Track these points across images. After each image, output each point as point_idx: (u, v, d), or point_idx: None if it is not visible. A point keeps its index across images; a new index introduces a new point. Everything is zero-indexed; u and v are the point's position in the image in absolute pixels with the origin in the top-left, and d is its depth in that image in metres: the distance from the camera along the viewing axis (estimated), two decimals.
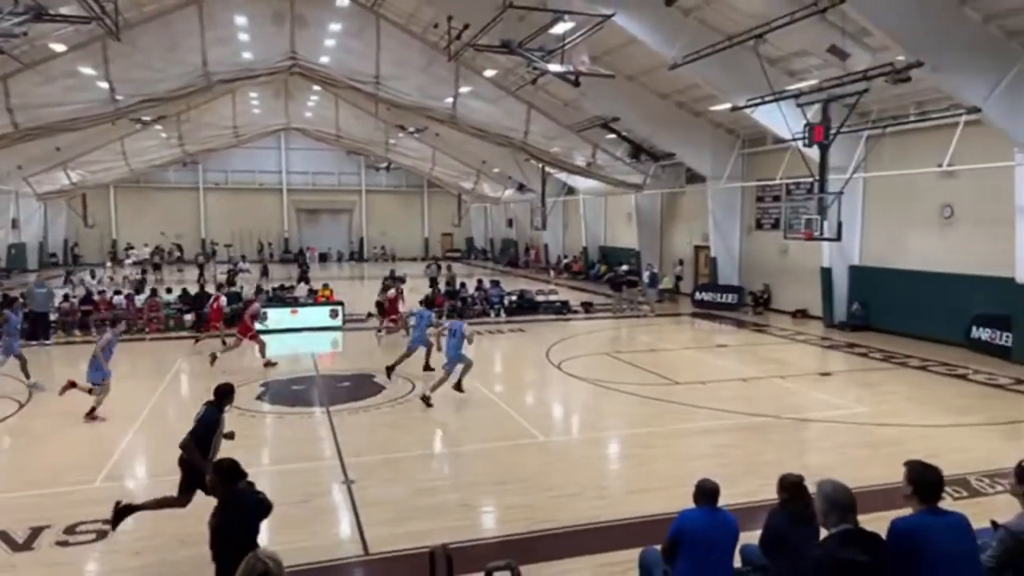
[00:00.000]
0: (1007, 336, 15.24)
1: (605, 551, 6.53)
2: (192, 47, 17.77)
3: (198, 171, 45.92)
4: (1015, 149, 14.27)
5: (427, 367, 13.88)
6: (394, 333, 18.06)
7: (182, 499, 6.62)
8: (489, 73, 22.24)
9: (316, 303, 21.48)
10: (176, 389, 13.59)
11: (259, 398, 12.52)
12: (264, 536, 7.12)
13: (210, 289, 22.48)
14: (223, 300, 18.23)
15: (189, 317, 20.18)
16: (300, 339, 18.49)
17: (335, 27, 19.28)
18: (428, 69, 19.94)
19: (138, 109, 19.04)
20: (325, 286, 23.02)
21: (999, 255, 15.34)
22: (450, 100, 20.45)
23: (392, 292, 19.10)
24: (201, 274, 31.33)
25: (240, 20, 18.51)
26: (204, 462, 6.30)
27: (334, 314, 20.42)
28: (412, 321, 15.56)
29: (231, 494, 5.05)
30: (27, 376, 12.94)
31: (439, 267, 32.95)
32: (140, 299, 20.61)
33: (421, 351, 13.86)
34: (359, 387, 13.28)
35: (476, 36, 16.66)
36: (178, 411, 11.24)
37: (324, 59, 19.76)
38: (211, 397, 7.10)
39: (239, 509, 4.99)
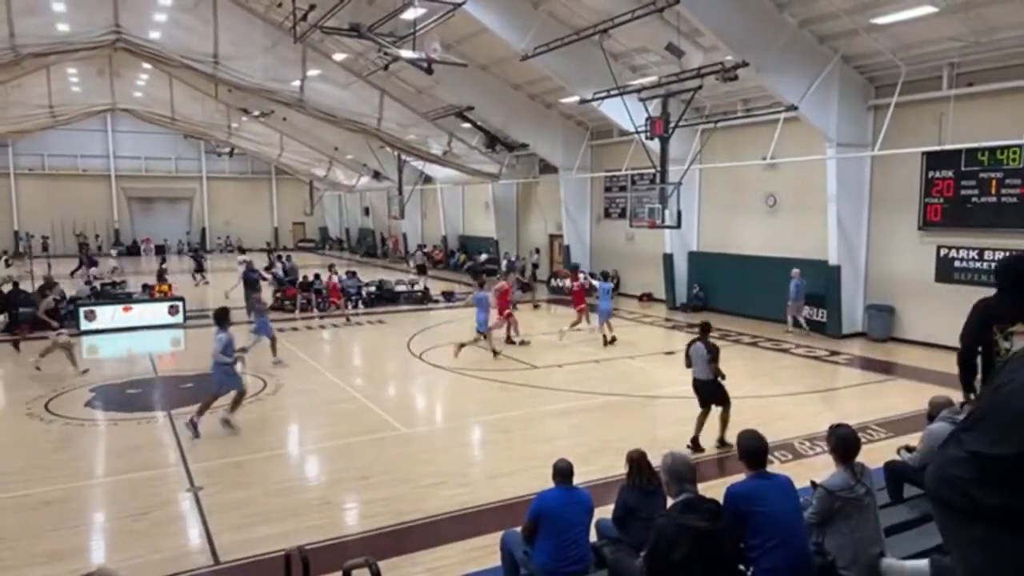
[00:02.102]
0: (823, 312, 17.02)
1: (470, 537, 6.60)
2: None
3: (7, 154, 40.93)
4: (826, 144, 15.91)
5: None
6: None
7: (706, 412, 9.12)
8: (339, 57, 21.53)
9: (153, 298, 19.91)
10: None
11: (89, 404, 11.44)
12: (100, 553, 6.58)
13: (25, 286, 20.13)
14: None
15: (1, 319, 18.07)
16: (136, 338, 17.09)
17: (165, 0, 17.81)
18: (273, 50, 18.88)
19: None
20: (163, 280, 21.38)
21: (815, 240, 17.06)
22: (297, 83, 19.54)
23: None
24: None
25: None
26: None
27: (173, 310, 19.02)
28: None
29: None
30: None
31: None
32: None
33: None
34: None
35: (323, 18, 16.03)
36: None
37: (154, 34, 18.16)
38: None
39: None
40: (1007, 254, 13.85)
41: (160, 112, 30.53)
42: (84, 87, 27.57)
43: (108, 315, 18.15)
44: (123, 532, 6.92)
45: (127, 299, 19.82)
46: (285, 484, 8.13)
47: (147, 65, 23.85)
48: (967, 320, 4.73)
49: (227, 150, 40.67)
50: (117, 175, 44.80)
